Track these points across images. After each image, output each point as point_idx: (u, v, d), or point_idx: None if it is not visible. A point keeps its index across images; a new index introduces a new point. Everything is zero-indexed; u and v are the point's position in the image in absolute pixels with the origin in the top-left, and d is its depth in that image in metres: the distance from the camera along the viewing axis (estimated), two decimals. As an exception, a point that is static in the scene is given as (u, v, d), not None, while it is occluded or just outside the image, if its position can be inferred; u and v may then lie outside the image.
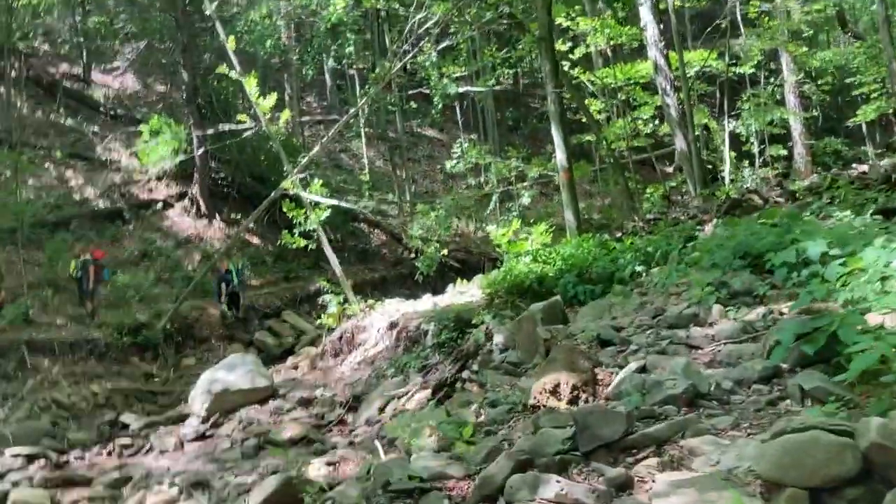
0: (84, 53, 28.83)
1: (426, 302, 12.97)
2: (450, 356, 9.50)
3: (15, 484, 9.62)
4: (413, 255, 17.84)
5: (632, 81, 22.02)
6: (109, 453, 11.15)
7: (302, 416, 10.33)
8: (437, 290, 15.63)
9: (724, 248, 8.17)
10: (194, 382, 14.25)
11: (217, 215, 23.03)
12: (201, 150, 21.86)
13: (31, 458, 10.79)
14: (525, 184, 19.92)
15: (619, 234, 14.32)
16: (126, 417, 12.65)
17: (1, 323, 15.59)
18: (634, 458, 4.01)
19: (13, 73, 24.79)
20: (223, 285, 17.84)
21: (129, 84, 29.67)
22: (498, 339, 8.80)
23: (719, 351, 5.63)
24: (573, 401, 5.40)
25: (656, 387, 4.83)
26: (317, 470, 8.12)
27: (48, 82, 27.28)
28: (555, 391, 5.49)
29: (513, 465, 4.02)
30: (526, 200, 18.60)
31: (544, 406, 5.44)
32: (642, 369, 5.46)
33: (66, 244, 19.93)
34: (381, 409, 9.62)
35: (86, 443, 11.74)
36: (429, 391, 9.20)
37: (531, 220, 13.39)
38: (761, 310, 6.35)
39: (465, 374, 8.51)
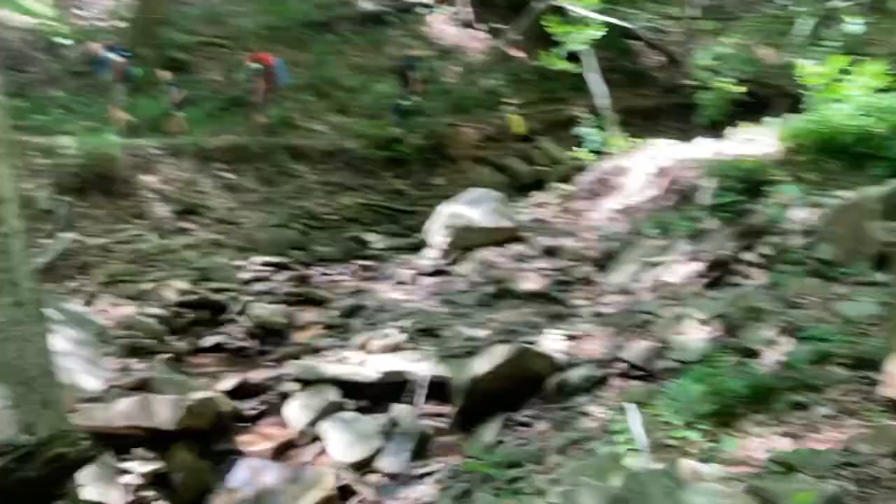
0: None
1: (704, 147, 10.94)
2: (730, 226, 7.74)
3: (258, 295, 9.65)
4: (693, 86, 15.39)
5: None
6: (351, 273, 11.00)
7: (545, 268, 9.25)
8: (717, 129, 13.37)
9: None
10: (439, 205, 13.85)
11: (481, 24, 21.67)
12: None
13: (278, 268, 10.94)
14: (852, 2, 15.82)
15: None
16: (369, 236, 12.45)
17: (267, 122, 15.93)
18: None
19: None
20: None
21: None
22: (798, 215, 6.89)
23: None
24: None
25: None
26: (553, 342, 7.08)
27: None
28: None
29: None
30: (856, 28, 14.58)
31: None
32: None
33: (331, 47, 19.80)
34: (637, 276, 8.22)
35: (331, 257, 11.72)
36: (699, 266, 7.62)
37: (857, 56, 10.45)
38: None
39: (749, 255, 6.80)
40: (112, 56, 13.08)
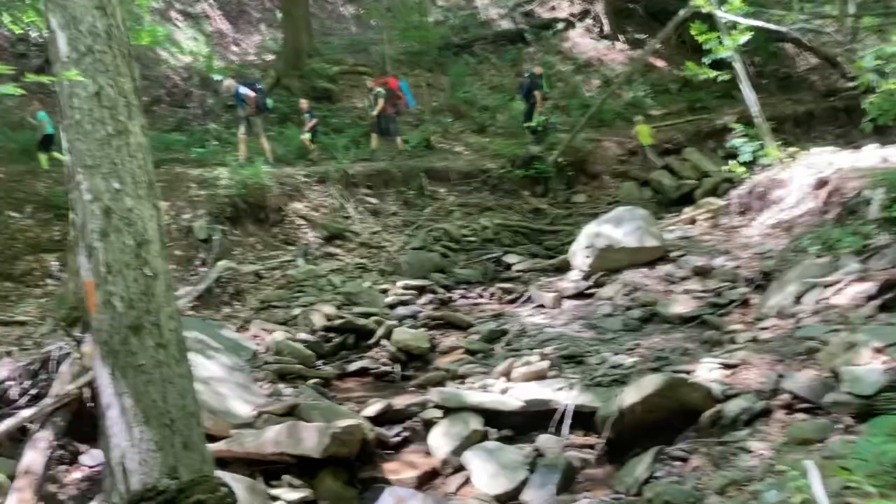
0: None
1: (869, 155, 10.08)
2: (906, 241, 7.03)
3: (400, 319, 9.72)
4: (852, 87, 14.28)
5: None
6: (491, 296, 10.89)
7: (696, 289, 8.75)
8: (883, 135, 12.31)
9: None
10: (581, 224, 13.51)
11: (620, 36, 21.20)
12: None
13: (420, 291, 11.00)
14: None
15: None
16: (510, 257, 12.30)
17: (407, 148, 16.18)
18: None
19: None
20: None
21: None
22: None
23: None
24: None
25: None
26: (708, 371, 6.64)
27: None
28: None
29: None
30: None
31: None
32: None
33: (469, 68, 19.96)
34: (798, 298, 7.60)
35: (470, 280, 11.66)
36: (870, 286, 6.94)
37: None
38: None
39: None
40: (244, 90, 13.66)
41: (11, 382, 8.14)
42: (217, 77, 15.81)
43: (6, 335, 8.77)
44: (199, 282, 9.93)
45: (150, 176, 3.61)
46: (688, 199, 14.45)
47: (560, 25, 21.42)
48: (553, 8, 22.26)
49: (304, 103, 15.35)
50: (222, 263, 10.28)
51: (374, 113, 15.30)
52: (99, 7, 3.53)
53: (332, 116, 16.97)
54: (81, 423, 7.98)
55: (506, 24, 21.90)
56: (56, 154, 12.84)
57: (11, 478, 7.23)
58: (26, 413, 7.54)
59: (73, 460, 7.61)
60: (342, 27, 22.18)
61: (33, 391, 8.09)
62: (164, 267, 3.60)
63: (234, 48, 20.27)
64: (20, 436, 7.66)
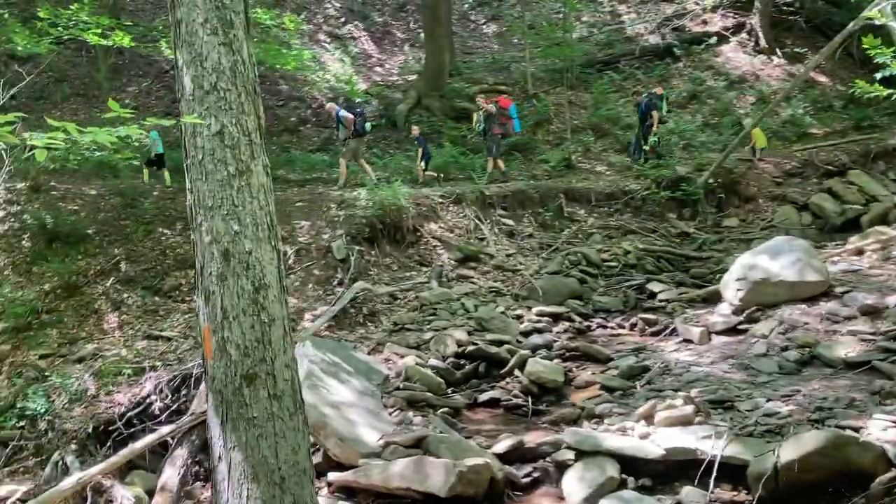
0: None
1: None
2: None
3: (534, 349, 9.35)
4: None
5: None
6: (632, 327, 10.30)
7: (864, 331, 7.85)
8: None
9: None
10: (732, 251, 12.63)
11: (778, 50, 19.92)
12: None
13: (556, 319, 10.59)
14: None
15: None
16: (654, 285, 11.62)
17: (545, 168, 15.81)
18: None
19: None
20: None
21: None
22: None
23: None
24: None
25: None
26: (881, 429, 5.86)
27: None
28: None
29: None
30: None
31: None
32: None
33: (613, 85, 19.36)
34: None
35: (610, 308, 11.12)
36: None
37: None
38: None
39: None
40: (343, 113, 13.69)
41: (155, 397, 8.45)
42: (358, 99, 16.06)
43: (152, 349, 9.12)
44: (335, 302, 9.98)
45: (271, 217, 3.47)
46: (853, 226, 13.23)
47: (712, 40, 20.39)
48: (704, 22, 21.24)
49: (415, 130, 15.15)
50: (358, 284, 10.29)
51: (479, 132, 14.97)
52: (225, 43, 3.44)
53: (470, 136, 16.86)
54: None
55: (653, 40, 21.10)
56: (165, 172, 13.34)
57: (150, 493, 7.46)
58: (166, 430, 7.78)
59: (207, 477, 7.77)
60: (484, 45, 22.12)
61: (174, 407, 8.37)
62: (281, 312, 3.43)
63: (379, 69, 20.62)
64: (161, 450, 7.92)
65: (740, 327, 8.93)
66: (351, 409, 7.60)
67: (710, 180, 14.69)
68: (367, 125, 14.22)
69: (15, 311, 9.83)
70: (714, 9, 21.21)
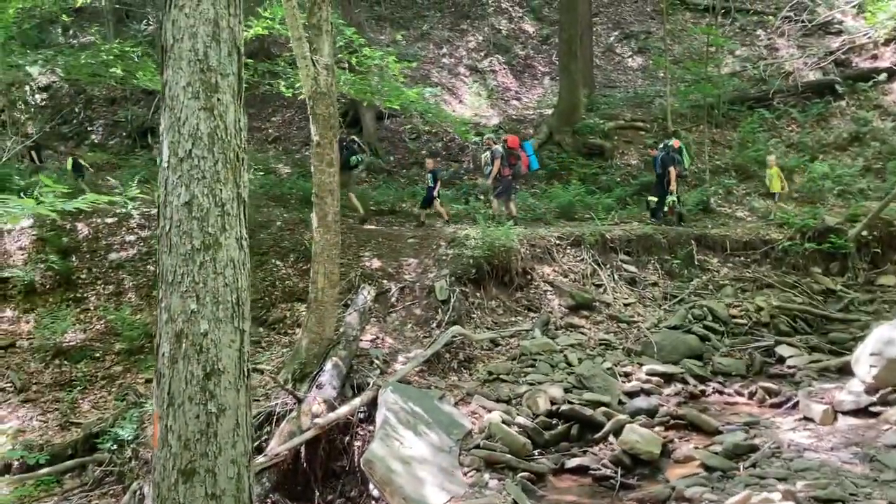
0: None
1: None
2: None
3: (635, 413, 8.63)
4: None
5: None
6: (751, 395, 9.32)
7: None
8: None
9: None
10: (883, 315, 11.22)
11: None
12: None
13: (667, 379, 9.79)
14: None
15: None
16: (784, 348, 10.51)
17: (683, 209, 14.85)
18: None
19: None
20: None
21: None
22: None
23: None
24: None
25: None
26: None
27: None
28: None
29: None
30: None
31: None
32: None
33: (764, 123, 18.02)
34: None
35: (731, 371, 10.15)
36: None
37: None
38: None
39: None
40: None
41: (241, 430, 8.45)
42: (475, 139, 15.77)
43: (246, 382, 9.17)
44: (430, 346, 9.71)
45: (237, 295, 3.18)
46: None
47: (881, 76, 18.56)
48: (874, 57, 19.39)
49: (429, 163, 14.38)
50: (454, 328, 9.97)
51: (488, 174, 13.89)
52: (206, 108, 3.24)
53: (601, 174, 16.20)
54: (294, 481, 8.07)
55: (814, 76, 19.50)
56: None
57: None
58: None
59: (277, 521, 7.68)
60: (628, 80, 21.33)
61: (255, 444, 8.35)
62: (236, 401, 3.13)
63: (516, 102, 20.35)
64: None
65: (872, 409, 7.81)
66: (422, 466, 7.26)
67: (865, 232, 13.21)
68: (354, 158, 13.71)
69: (130, 334, 10.27)
70: (887, 42, 19.32)
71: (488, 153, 13.93)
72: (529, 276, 11.70)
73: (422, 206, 14.24)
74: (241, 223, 3.30)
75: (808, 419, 8.07)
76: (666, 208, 14.25)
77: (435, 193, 13.97)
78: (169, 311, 3.18)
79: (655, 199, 14.37)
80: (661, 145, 14.66)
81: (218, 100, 3.25)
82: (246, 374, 3.23)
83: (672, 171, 14.06)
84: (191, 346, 3.12)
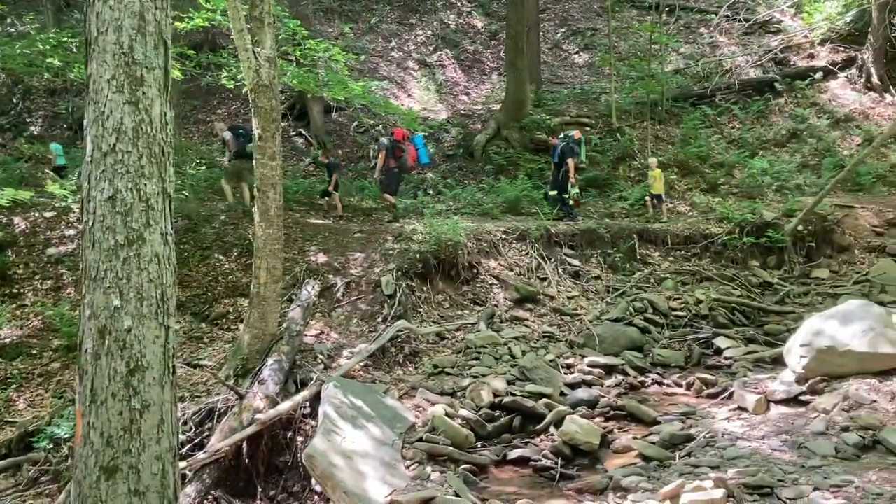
0: None
1: None
2: None
3: (576, 405, 8.78)
4: None
5: None
6: (689, 386, 9.56)
7: (944, 416, 6.92)
8: None
9: None
10: (818, 306, 11.60)
11: (892, 87, 18.48)
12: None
13: (608, 371, 9.98)
14: None
15: None
16: (722, 340, 10.80)
17: (623, 206, 15.11)
18: None
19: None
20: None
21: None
22: None
23: None
24: None
25: None
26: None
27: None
28: None
29: None
30: None
31: None
32: None
33: (706, 120, 18.43)
34: None
35: (670, 363, 10.40)
36: None
37: None
38: None
39: None
40: (227, 135, 13.40)
41: (183, 427, 8.38)
42: (420, 133, 15.83)
43: (188, 377, 9.09)
44: (374, 340, 9.72)
45: (162, 291, 3.17)
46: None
47: (818, 75, 19.13)
48: (811, 56, 19.97)
49: (322, 157, 14.52)
50: (399, 323, 10.00)
51: (373, 166, 13.90)
52: (131, 102, 3.21)
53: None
54: (236, 477, 8.02)
55: (754, 73, 20.00)
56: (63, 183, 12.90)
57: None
58: (181, 464, 7.68)
59: (221, 515, 7.63)
60: (574, 76, 21.58)
61: (196, 440, 8.27)
62: (160, 398, 3.11)
63: (464, 97, 20.43)
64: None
65: (802, 398, 8.07)
66: (364, 460, 7.28)
67: (801, 227, 13.63)
68: (250, 146, 13.79)
69: (68, 330, 10.05)
70: (823, 42, 19.92)
71: (376, 146, 13.89)
72: (476, 270, 11.79)
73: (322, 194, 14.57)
74: (166, 218, 3.28)
75: (742, 409, 8.30)
76: (571, 202, 14.38)
77: (331, 188, 14.20)
78: (92, 308, 3.15)
79: (555, 192, 14.48)
80: (562, 135, 14.76)
81: (143, 94, 3.22)
82: (172, 370, 3.22)
83: (570, 162, 14.20)
84: (114, 342, 3.09)
